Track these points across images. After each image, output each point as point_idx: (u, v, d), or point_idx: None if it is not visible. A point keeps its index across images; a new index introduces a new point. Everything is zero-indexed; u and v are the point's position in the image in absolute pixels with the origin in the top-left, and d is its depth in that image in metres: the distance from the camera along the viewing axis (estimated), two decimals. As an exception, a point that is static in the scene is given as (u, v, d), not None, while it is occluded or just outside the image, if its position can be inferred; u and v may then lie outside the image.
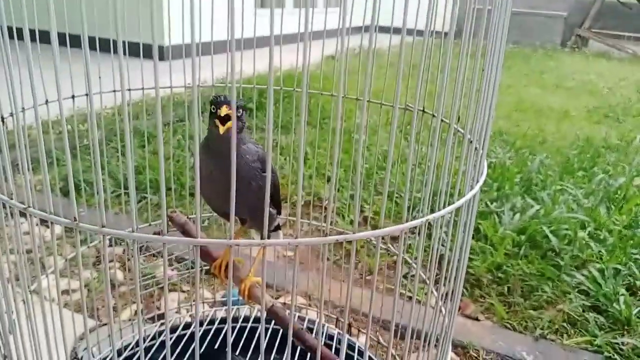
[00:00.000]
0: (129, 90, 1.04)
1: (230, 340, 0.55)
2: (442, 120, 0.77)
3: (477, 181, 0.61)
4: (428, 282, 0.79)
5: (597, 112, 4.70)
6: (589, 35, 9.71)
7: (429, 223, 0.54)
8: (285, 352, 0.60)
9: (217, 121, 0.82)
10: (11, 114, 0.70)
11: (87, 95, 0.87)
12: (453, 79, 0.62)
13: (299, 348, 1.20)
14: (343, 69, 0.48)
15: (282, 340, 1.19)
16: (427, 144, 0.71)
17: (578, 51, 9.32)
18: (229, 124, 0.82)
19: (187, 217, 1.10)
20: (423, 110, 0.91)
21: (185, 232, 1.08)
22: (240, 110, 0.89)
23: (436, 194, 0.59)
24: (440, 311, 0.82)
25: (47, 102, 0.76)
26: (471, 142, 0.68)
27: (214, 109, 0.84)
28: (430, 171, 0.53)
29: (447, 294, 0.73)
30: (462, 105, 0.69)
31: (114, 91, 0.91)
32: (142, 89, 1.04)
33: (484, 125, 0.66)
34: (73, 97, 0.84)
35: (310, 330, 1.18)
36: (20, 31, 0.59)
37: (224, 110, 0.82)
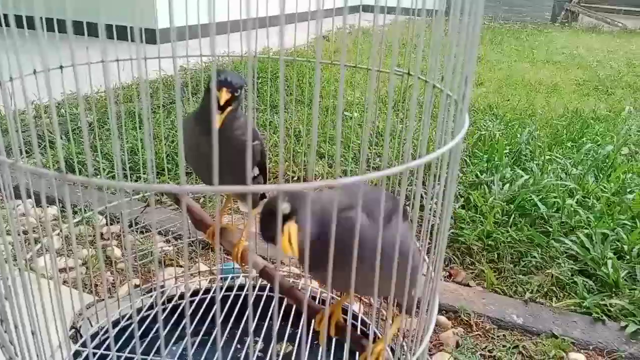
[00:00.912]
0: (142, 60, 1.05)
1: (218, 306, 0.57)
2: (424, 81, 0.79)
3: (459, 132, 0.63)
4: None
5: (587, 85, 4.73)
6: (579, 10, 9.70)
7: (410, 172, 0.56)
8: (271, 308, 0.62)
9: (215, 112, 0.82)
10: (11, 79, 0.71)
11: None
12: (435, 42, 0.64)
13: (291, 314, 1.23)
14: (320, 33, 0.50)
15: (282, 309, 1.22)
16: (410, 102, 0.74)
17: (568, 26, 9.31)
18: (225, 113, 0.83)
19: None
20: (408, 73, 0.92)
21: (179, 202, 1.11)
22: (239, 91, 0.89)
23: (417, 146, 0.61)
24: (429, 272, 0.84)
25: (34, 72, 0.77)
26: (449, 95, 0.70)
27: (217, 85, 0.83)
28: (411, 120, 0.55)
29: (428, 250, 0.76)
30: (443, 66, 0.71)
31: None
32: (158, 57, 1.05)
33: (463, 81, 0.68)
34: (61, 67, 0.85)
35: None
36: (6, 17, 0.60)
37: (223, 97, 0.82)
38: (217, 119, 0.82)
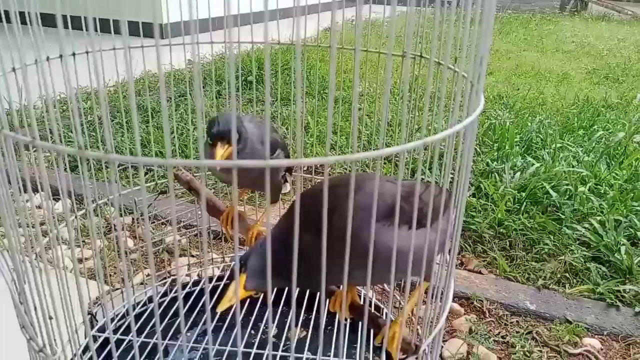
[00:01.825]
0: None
1: (207, 296, 0.57)
2: (439, 63, 0.79)
3: (474, 110, 0.63)
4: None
5: (597, 74, 4.68)
6: (588, -2, 9.60)
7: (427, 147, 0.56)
8: (284, 295, 0.62)
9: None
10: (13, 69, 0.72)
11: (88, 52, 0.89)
12: (449, 23, 0.64)
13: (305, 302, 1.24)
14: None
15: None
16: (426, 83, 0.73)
17: (577, 15, 9.22)
18: (225, 152, 0.78)
19: (193, 175, 1.13)
20: (421, 56, 0.92)
21: (192, 189, 1.11)
22: (237, 135, 0.83)
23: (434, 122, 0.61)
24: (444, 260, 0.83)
25: (48, 58, 0.78)
26: (464, 77, 0.70)
27: (210, 139, 0.80)
28: (427, 96, 0.55)
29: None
30: (458, 48, 0.70)
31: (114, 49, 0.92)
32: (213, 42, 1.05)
33: (479, 63, 0.68)
34: (74, 54, 0.85)
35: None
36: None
37: (218, 153, 0.78)
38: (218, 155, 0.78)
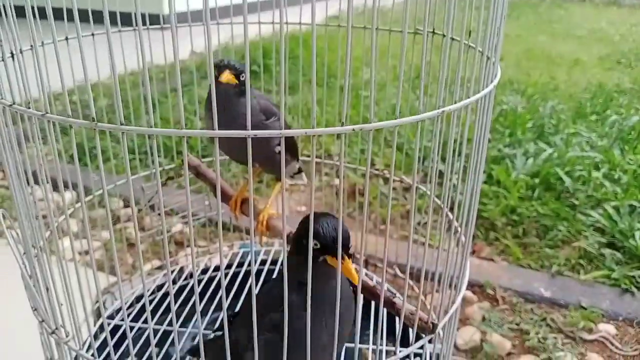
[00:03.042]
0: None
1: (223, 281, 0.55)
2: (452, 39, 0.76)
3: (492, 81, 0.60)
4: (442, 206, 0.78)
5: (609, 59, 4.60)
6: (599, -17, 9.44)
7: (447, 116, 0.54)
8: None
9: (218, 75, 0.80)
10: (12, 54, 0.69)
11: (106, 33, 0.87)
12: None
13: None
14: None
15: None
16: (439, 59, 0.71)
17: (587, 0, 9.07)
18: (227, 75, 0.81)
19: (201, 161, 1.11)
20: (433, 32, 0.89)
21: (200, 174, 1.09)
22: (244, 75, 0.84)
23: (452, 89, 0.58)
24: (456, 242, 0.81)
25: (67, 38, 0.76)
26: (482, 53, 0.67)
27: (217, 74, 0.81)
28: (444, 68, 0.52)
29: (460, 219, 0.73)
30: (473, 20, 0.67)
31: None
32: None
33: (494, 36, 0.65)
34: (93, 34, 0.84)
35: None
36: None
37: (225, 76, 0.80)
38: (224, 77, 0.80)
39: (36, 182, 0.66)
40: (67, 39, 0.77)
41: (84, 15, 0.56)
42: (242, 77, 0.84)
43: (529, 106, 3.01)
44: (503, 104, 2.97)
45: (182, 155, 0.50)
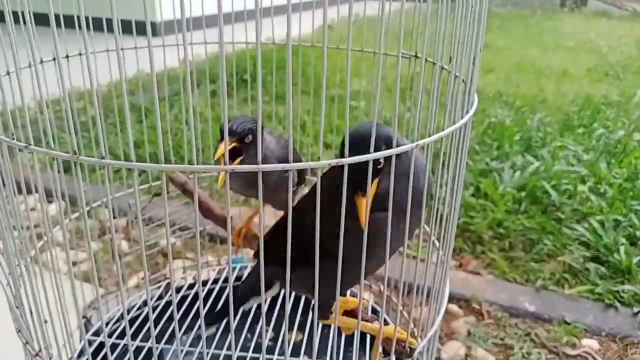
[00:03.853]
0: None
1: (201, 300, 0.56)
2: (433, 63, 0.78)
3: (467, 112, 0.62)
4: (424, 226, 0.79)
5: (597, 71, 4.66)
6: (588, -6, 9.56)
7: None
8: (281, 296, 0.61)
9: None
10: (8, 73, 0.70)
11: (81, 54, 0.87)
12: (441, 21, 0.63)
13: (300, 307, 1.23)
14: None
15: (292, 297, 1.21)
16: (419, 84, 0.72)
17: (577, 11, 9.19)
18: (220, 152, 0.74)
19: (188, 177, 1.12)
20: (415, 56, 0.90)
21: (186, 192, 1.10)
22: (249, 137, 0.77)
23: (426, 125, 0.59)
24: (438, 259, 0.82)
25: (42, 61, 0.76)
26: (457, 77, 0.69)
27: (216, 145, 0.76)
28: (419, 100, 0.54)
29: (439, 237, 0.74)
30: (451, 46, 0.69)
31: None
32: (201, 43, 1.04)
33: (471, 62, 0.66)
34: (67, 56, 0.84)
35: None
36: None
37: (219, 152, 0.73)
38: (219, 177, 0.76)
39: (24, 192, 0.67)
40: (42, 61, 0.77)
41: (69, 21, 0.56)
42: (248, 139, 0.77)
43: (517, 118, 3.05)
44: (492, 117, 3.01)
45: (166, 179, 0.51)
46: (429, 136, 0.54)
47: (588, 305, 1.61)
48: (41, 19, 0.54)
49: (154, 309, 1.18)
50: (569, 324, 1.53)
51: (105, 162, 0.47)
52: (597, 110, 3.31)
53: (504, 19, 7.45)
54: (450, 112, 0.59)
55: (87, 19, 0.49)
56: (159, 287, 1.30)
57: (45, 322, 0.74)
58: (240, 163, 0.77)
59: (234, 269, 1.35)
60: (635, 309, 1.58)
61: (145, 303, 1.22)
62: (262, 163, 0.81)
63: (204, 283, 1.29)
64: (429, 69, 0.74)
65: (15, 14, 0.60)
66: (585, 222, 2.00)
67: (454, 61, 0.68)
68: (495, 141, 2.65)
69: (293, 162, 0.46)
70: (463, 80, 0.68)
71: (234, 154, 0.77)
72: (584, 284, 1.71)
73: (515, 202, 2.12)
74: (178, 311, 1.17)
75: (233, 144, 0.75)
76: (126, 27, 1.03)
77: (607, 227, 1.92)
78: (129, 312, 1.20)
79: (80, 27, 0.45)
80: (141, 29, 0.97)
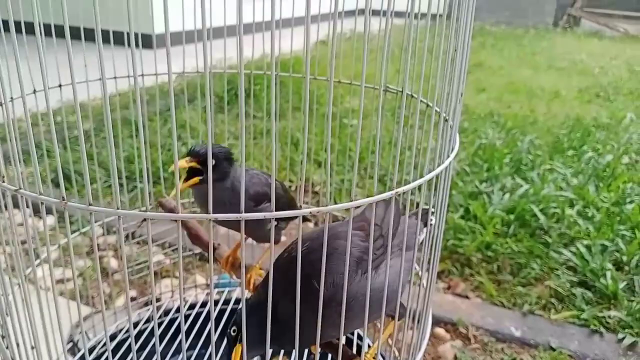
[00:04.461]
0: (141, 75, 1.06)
1: (183, 326, 0.57)
2: (421, 101, 0.80)
3: (448, 156, 0.64)
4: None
5: (588, 92, 4.72)
6: (581, 15, 9.69)
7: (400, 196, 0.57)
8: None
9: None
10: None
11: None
12: (433, 59, 0.64)
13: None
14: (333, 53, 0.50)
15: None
16: (407, 124, 0.74)
17: (570, 31, 9.30)
18: (191, 180, 0.80)
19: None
20: (401, 92, 0.92)
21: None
22: (213, 161, 0.76)
23: (408, 169, 0.61)
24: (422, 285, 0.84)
25: (34, 91, 0.78)
26: (446, 120, 0.71)
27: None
28: (398, 146, 0.56)
29: (425, 269, 0.76)
30: (434, 86, 0.71)
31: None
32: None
33: (456, 103, 0.68)
34: (60, 86, 0.85)
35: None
36: (5, 23, 0.60)
37: (182, 164, 0.78)
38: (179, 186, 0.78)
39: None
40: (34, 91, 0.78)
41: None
42: (213, 162, 0.78)
43: (508, 140, 3.08)
44: (482, 138, 3.04)
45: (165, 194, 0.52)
46: (405, 184, 0.55)
47: (573, 331, 1.63)
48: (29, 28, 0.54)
49: (143, 331, 1.18)
50: (554, 349, 1.54)
51: (92, 209, 0.49)
52: (587, 133, 3.35)
53: (497, 38, 7.54)
54: (433, 155, 0.61)
55: (79, 29, 0.50)
56: (149, 310, 1.31)
57: (33, 347, 0.75)
58: (200, 183, 0.82)
59: (222, 292, 1.35)
60: (620, 335, 1.60)
61: (135, 325, 1.22)
62: (231, 192, 0.83)
63: (193, 306, 1.29)
64: (413, 103, 0.76)
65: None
66: (572, 246, 2.02)
67: (442, 101, 0.70)
68: (485, 162, 2.68)
69: (277, 198, 0.48)
70: (445, 119, 0.70)
71: (194, 173, 0.82)
72: (570, 309, 1.72)
73: (504, 225, 2.14)
74: (167, 333, 1.18)
75: (192, 163, 0.80)
76: (118, 37, 1.03)
77: (594, 252, 1.95)
78: (118, 333, 1.20)
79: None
80: (136, 41, 0.99)
